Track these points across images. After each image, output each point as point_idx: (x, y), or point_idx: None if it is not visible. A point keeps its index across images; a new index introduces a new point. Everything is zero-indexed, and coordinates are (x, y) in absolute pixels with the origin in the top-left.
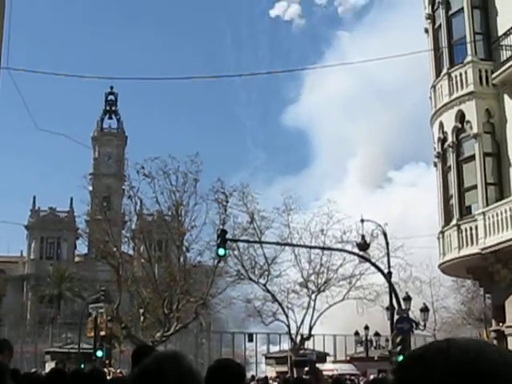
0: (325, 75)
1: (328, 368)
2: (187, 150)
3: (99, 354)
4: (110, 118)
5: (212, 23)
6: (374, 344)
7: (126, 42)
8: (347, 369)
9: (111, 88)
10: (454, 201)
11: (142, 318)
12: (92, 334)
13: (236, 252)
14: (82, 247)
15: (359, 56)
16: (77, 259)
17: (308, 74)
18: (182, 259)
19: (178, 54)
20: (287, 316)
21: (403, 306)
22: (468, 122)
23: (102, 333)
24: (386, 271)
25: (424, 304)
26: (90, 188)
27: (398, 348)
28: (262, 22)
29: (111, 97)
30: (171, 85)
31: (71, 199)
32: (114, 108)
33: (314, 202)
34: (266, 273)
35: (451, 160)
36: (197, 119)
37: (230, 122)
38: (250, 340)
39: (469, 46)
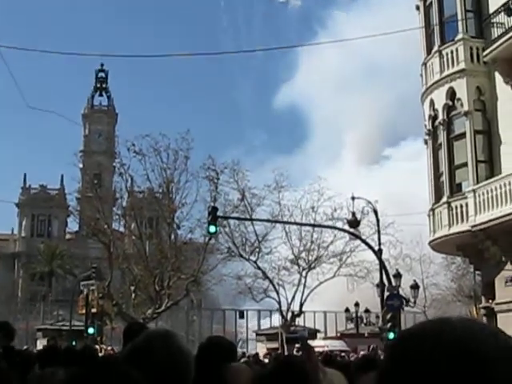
0: (319, 54)
1: (318, 344)
2: (178, 127)
3: (91, 331)
4: (101, 95)
5: (207, 4)
6: (365, 321)
7: (118, 20)
8: (338, 345)
9: (102, 65)
10: (445, 178)
11: (133, 295)
12: (83, 311)
13: (227, 229)
14: (73, 224)
15: (353, 35)
16: (68, 236)
17: (302, 54)
18: (172, 236)
19: (171, 35)
20: (278, 293)
21: (393, 283)
22: (459, 99)
23: (94, 310)
24: (376, 248)
25: (414, 281)
26: (81, 165)
27: (388, 325)
28: (258, 3)
29: (102, 74)
30: (164, 63)
31: (62, 177)
32: (104, 85)
33: (309, 180)
34: (257, 250)
35: (442, 137)
36: (189, 97)
37: (224, 100)
38: (241, 317)
39: (460, 23)
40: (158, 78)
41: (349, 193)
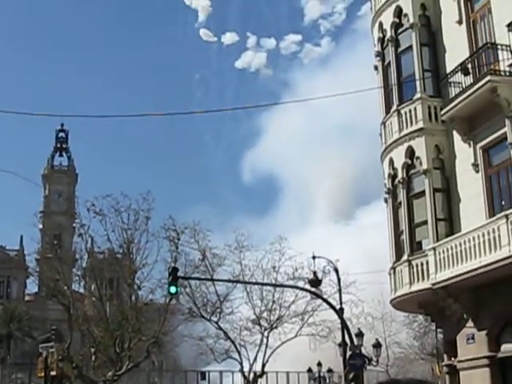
0: (285, 116)
1: None
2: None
3: None
4: (61, 155)
5: (178, 73)
6: (328, 380)
7: (80, 79)
8: None
9: (62, 125)
10: (405, 236)
11: (93, 357)
12: (42, 374)
13: (188, 289)
14: (32, 286)
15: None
16: (27, 298)
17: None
18: (133, 297)
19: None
20: (240, 353)
21: (356, 342)
22: (418, 158)
23: (53, 373)
24: (338, 307)
25: (376, 340)
26: (41, 226)
27: None
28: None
29: (62, 134)
30: (124, 123)
31: (21, 237)
32: (64, 145)
33: (270, 239)
34: (218, 310)
35: (401, 196)
36: (152, 157)
37: (190, 162)
38: (203, 378)
39: (418, 83)
40: (120, 138)
41: (310, 252)
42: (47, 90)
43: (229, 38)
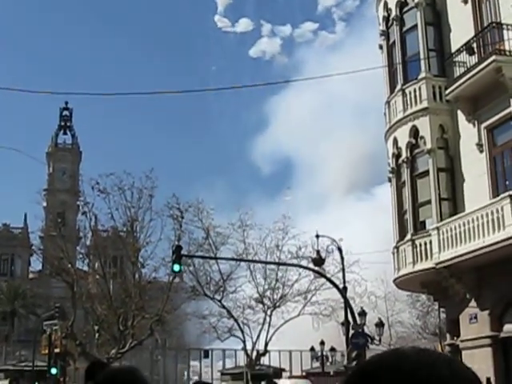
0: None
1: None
2: (145, 165)
3: (54, 371)
4: (65, 133)
5: (191, 61)
6: (330, 359)
7: (83, 55)
8: None
9: (66, 103)
10: (409, 216)
11: (96, 335)
12: (46, 351)
13: (191, 268)
14: (36, 264)
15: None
16: (31, 276)
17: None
18: (137, 275)
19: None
20: (243, 332)
21: (358, 321)
22: (422, 137)
23: (57, 350)
24: (341, 286)
25: (379, 319)
26: (45, 204)
27: (354, 363)
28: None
29: (66, 112)
30: (131, 100)
31: (25, 215)
32: (68, 123)
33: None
34: (222, 289)
35: (405, 175)
36: (158, 134)
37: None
38: (206, 356)
39: (422, 62)
40: (124, 115)
41: (320, 230)
42: (53, 67)
43: (243, 25)
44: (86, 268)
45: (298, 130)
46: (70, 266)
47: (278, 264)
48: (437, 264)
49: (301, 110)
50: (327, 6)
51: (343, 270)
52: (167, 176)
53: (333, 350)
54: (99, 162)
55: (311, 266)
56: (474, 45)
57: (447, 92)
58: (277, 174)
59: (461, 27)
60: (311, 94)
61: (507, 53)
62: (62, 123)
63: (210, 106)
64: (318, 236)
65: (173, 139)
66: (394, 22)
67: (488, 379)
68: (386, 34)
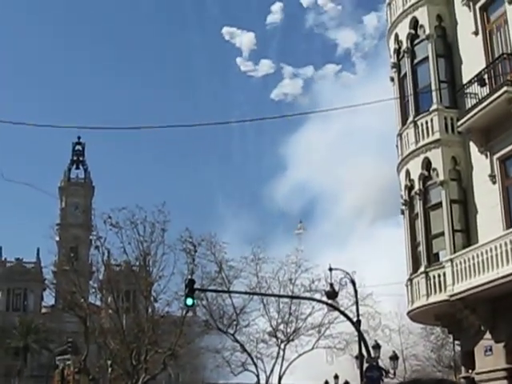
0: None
1: None
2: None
3: None
4: (78, 168)
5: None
6: None
7: (97, 91)
8: None
9: (78, 138)
10: (422, 248)
11: (109, 370)
12: None
13: (204, 302)
14: (49, 298)
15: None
16: (44, 310)
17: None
18: (150, 310)
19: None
20: (256, 366)
21: (372, 355)
22: (434, 169)
23: None
24: (354, 320)
25: (393, 352)
26: (57, 238)
27: None
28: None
29: (78, 147)
30: (143, 135)
31: (38, 250)
32: (81, 158)
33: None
34: (235, 322)
35: (418, 207)
36: (169, 169)
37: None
38: None
39: (434, 94)
40: (138, 149)
41: (325, 264)
42: (66, 102)
43: (265, 68)
44: (98, 302)
45: (318, 163)
46: (82, 300)
47: (292, 297)
48: (451, 296)
49: (320, 143)
50: (347, 47)
51: (357, 303)
52: (180, 210)
53: (347, 383)
54: (112, 196)
55: (324, 299)
56: (486, 76)
57: (459, 123)
58: (294, 207)
59: (472, 58)
60: (332, 128)
61: None
62: (75, 158)
63: (227, 141)
64: (331, 269)
65: (186, 173)
66: (405, 55)
67: None
68: (397, 66)
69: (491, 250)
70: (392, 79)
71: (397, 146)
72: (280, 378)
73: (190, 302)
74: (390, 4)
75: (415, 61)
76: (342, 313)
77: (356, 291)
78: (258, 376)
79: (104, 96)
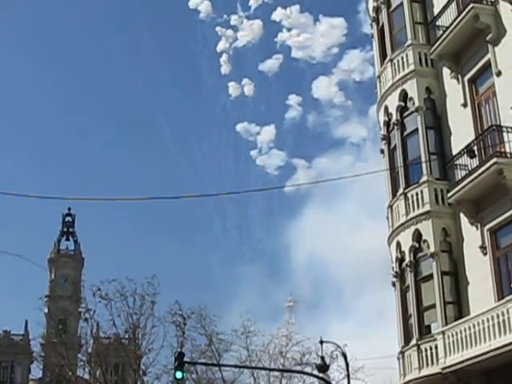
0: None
1: None
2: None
3: None
4: (68, 239)
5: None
6: None
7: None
8: None
9: (69, 209)
10: (413, 320)
11: None
12: None
13: (194, 375)
14: (36, 371)
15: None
16: (31, 383)
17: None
18: (139, 383)
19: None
20: None
21: None
22: (425, 241)
23: None
24: None
25: None
26: (46, 310)
27: None
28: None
29: (68, 218)
30: (133, 205)
31: (26, 322)
32: (71, 229)
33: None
34: None
35: (409, 279)
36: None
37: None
38: None
39: (424, 165)
40: (128, 220)
41: (316, 337)
42: (55, 172)
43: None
44: (87, 376)
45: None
46: (70, 373)
47: (282, 371)
48: (443, 369)
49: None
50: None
51: (348, 376)
52: (170, 282)
53: None
54: (101, 267)
55: (316, 372)
56: (475, 147)
57: (449, 195)
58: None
59: (461, 130)
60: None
61: (508, 155)
62: (65, 229)
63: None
64: (322, 342)
65: (177, 244)
66: (395, 127)
67: None
68: (387, 139)
69: (483, 321)
70: (382, 151)
71: (387, 218)
72: None
73: (179, 375)
74: (379, 77)
75: (405, 133)
76: None
77: (347, 364)
78: None
79: (95, 166)
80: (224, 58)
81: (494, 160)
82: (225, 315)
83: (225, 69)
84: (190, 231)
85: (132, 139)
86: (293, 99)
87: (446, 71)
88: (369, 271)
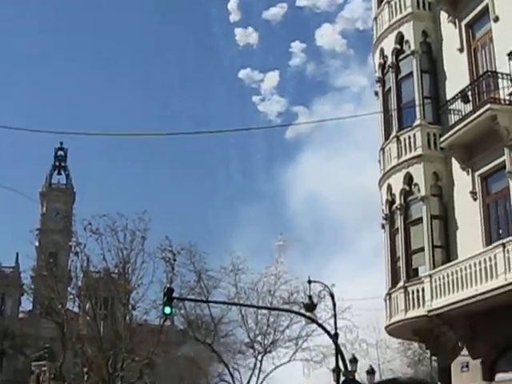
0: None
1: None
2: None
3: None
4: (59, 173)
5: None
6: None
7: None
8: None
9: (61, 143)
10: (401, 263)
11: (85, 377)
12: None
13: (182, 311)
14: (26, 303)
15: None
16: (21, 315)
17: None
18: (127, 317)
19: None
20: (233, 377)
21: (349, 368)
22: (416, 184)
23: None
24: (332, 333)
25: (370, 366)
26: (37, 243)
27: None
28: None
29: (61, 152)
30: (126, 141)
31: (17, 254)
32: (63, 163)
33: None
34: (213, 333)
35: (399, 222)
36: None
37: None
38: None
39: (417, 109)
40: (120, 156)
41: (304, 276)
42: (49, 106)
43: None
44: (76, 309)
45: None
46: (60, 306)
47: (270, 309)
48: (429, 312)
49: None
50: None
51: (335, 316)
52: (163, 219)
53: None
54: (93, 202)
55: (303, 311)
56: (469, 93)
57: (442, 140)
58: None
59: (456, 75)
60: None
61: (502, 101)
62: (57, 163)
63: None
64: (310, 281)
65: (169, 179)
66: (390, 69)
67: None
68: (381, 81)
69: (470, 266)
70: (376, 93)
71: (379, 161)
72: None
73: (168, 310)
74: (376, 18)
75: (400, 76)
76: (320, 325)
77: (334, 304)
78: None
79: (89, 101)
80: (232, 5)
81: (488, 106)
82: (217, 253)
83: (233, 17)
84: (191, 170)
85: (135, 80)
86: (296, 46)
87: (443, 15)
88: (370, 213)
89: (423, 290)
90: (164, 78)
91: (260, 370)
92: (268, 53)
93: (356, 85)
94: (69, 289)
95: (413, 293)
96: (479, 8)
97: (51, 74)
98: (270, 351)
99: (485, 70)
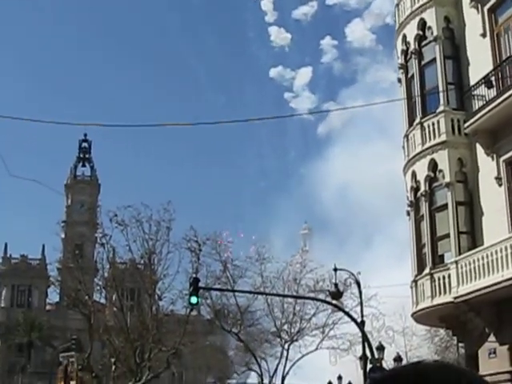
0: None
1: None
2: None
3: None
4: (84, 165)
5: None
6: None
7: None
8: None
9: (85, 135)
10: (427, 249)
11: (113, 368)
12: (62, 383)
13: (209, 301)
14: (53, 295)
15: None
16: (48, 307)
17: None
18: (154, 308)
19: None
20: (260, 366)
21: (376, 356)
22: (440, 171)
23: (73, 382)
24: (359, 320)
25: (397, 353)
26: (63, 235)
27: None
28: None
29: (85, 144)
30: (150, 132)
31: (43, 246)
32: (87, 155)
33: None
34: (239, 322)
35: (424, 209)
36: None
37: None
38: None
39: (441, 95)
40: (144, 148)
41: (330, 264)
42: (74, 98)
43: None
44: (103, 300)
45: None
46: (87, 297)
47: (296, 297)
48: (455, 298)
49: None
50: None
51: (361, 303)
52: (186, 208)
53: None
54: (117, 193)
55: (329, 299)
56: (493, 78)
57: (466, 125)
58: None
59: (479, 60)
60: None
61: None
62: (81, 155)
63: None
64: (336, 269)
65: (195, 170)
66: (413, 56)
67: None
68: (404, 68)
69: (496, 252)
70: (399, 80)
71: (403, 147)
72: (283, 379)
73: (194, 300)
74: (398, 5)
75: (423, 62)
76: (347, 313)
77: (360, 292)
78: (261, 376)
79: (113, 93)
80: (267, 5)
81: None
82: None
83: (268, 17)
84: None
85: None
86: (327, 43)
87: (465, 0)
88: (401, 201)
89: (449, 276)
90: (197, 77)
91: (287, 359)
92: (299, 51)
93: (386, 80)
94: (95, 280)
95: (439, 279)
96: None
97: (75, 67)
98: (296, 340)
99: (508, 54)
